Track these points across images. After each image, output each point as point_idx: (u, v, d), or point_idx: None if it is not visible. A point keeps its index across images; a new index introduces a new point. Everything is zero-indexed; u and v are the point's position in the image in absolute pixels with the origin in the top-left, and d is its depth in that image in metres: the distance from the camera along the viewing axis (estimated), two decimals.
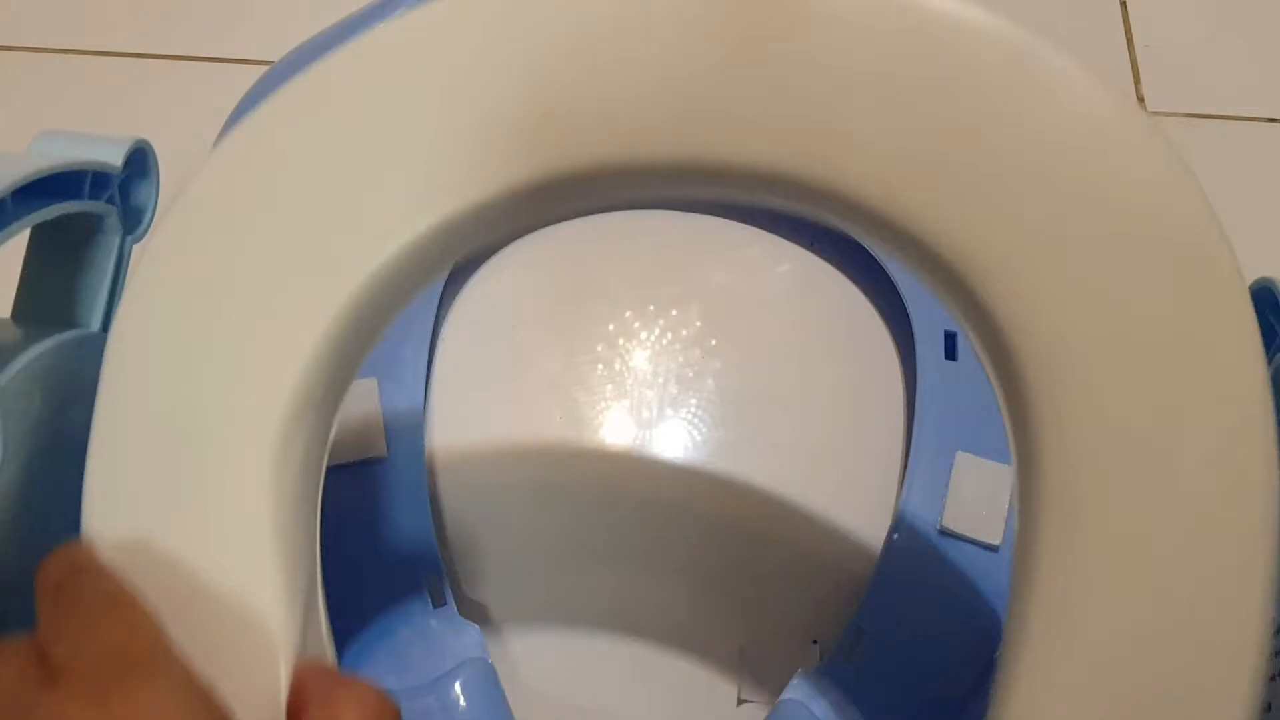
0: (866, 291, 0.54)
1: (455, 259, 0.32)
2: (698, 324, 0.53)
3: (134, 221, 0.37)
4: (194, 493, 0.27)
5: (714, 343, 0.52)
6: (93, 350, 0.36)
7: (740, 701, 0.45)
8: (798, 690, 0.42)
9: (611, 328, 0.53)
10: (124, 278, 0.37)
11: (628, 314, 0.53)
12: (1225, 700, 0.25)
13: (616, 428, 0.50)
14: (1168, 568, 0.26)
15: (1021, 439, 0.28)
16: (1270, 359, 0.37)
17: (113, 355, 0.29)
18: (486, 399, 0.51)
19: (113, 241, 0.37)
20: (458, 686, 0.40)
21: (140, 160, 0.38)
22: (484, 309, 0.54)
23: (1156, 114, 0.61)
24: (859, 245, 0.53)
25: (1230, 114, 0.61)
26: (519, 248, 0.55)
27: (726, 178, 0.29)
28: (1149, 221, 0.28)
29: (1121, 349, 0.27)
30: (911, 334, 0.50)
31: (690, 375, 0.52)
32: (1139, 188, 0.28)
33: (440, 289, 0.52)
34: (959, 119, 0.28)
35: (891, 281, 0.52)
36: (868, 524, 0.49)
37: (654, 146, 0.29)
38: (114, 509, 0.27)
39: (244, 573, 0.26)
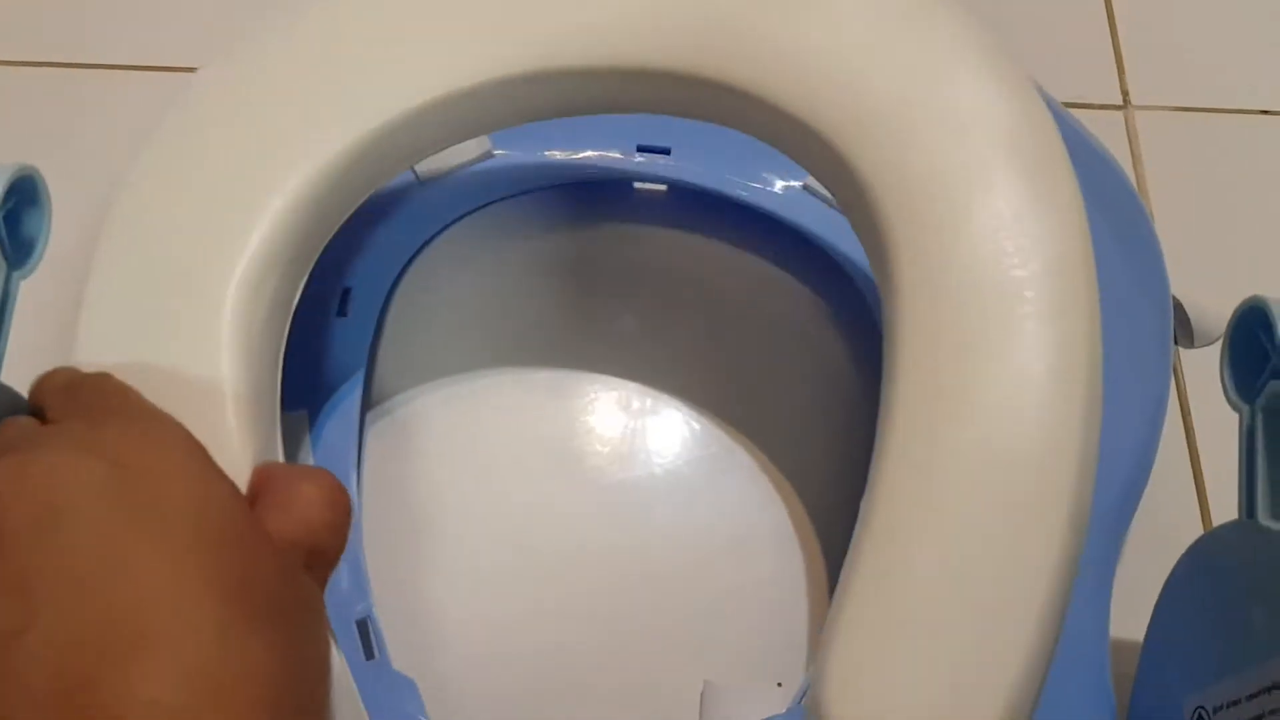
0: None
1: (420, 151, 0.40)
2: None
3: (21, 255, 0.34)
4: (173, 331, 0.33)
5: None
6: None
7: None
8: None
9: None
10: (10, 314, 0.34)
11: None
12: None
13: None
14: (1001, 363, 0.33)
15: (882, 274, 0.36)
16: (1263, 382, 0.34)
17: (113, 212, 0.35)
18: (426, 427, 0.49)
19: None
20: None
21: (28, 188, 0.35)
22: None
23: (1143, 108, 0.58)
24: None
25: (1220, 107, 0.58)
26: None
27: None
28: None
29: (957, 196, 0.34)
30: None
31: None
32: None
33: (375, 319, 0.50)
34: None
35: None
36: (833, 563, 0.46)
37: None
38: (101, 344, 0.33)
39: (211, 398, 0.31)
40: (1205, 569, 0.37)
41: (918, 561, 0.32)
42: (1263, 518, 0.33)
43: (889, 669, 0.32)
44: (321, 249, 0.39)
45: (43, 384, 0.30)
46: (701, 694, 0.43)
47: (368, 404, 0.49)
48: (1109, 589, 0.42)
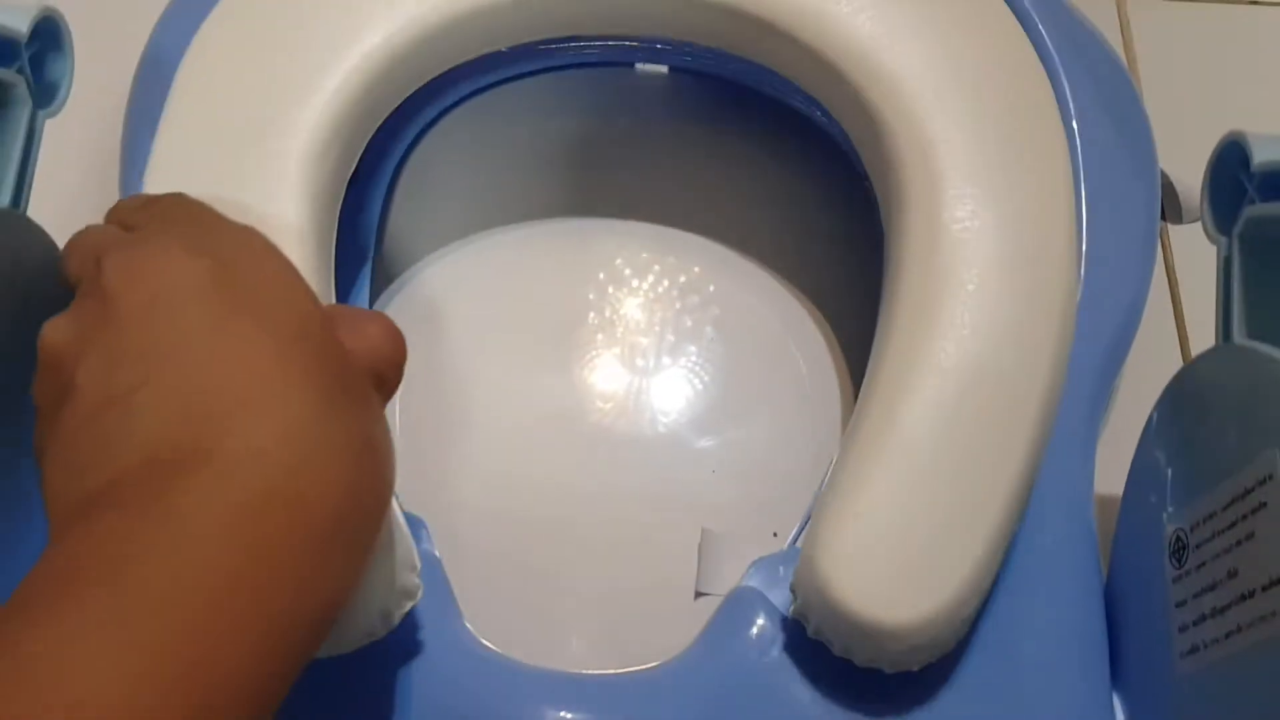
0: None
1: (480, 47, 0.45)
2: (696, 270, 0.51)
3: (46, 96, 0.36)
4: (241, 185, 0.36)
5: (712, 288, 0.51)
6: (6, 223, 0.34)
7: (698, 595, 0.44)
8: (754, 578, 0.40)
9: (602, 275, 0.51)
10: (35, 152, 0.36)
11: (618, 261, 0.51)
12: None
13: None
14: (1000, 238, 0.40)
15: (890, 209, 0.42)
16: (1240, 212, 0.35)
17: (189, 61, 0.40)
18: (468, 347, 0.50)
19: (22, 114, 0.35)
20: None
21: (51, 32, 0.36)
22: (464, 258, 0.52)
23: None
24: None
25: None
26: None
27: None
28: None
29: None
30: None
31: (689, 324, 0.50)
32: None
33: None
34: None
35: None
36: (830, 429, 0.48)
37: None
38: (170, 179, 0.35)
39: (282, 240, 0.29)
40: (1184, 399, 0.38)
41: (912, 432, 0.36)
42: (1237, 338, 0.35)
43: (882, 510, 0.36)
44: (377, 125, 0.43)
45: (122, 204, 0.32)
46: (699, 541, 0.45)
47: (377, 283, 0.51)
48: (1095, 438, 0.43)
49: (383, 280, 0.51)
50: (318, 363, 0.26)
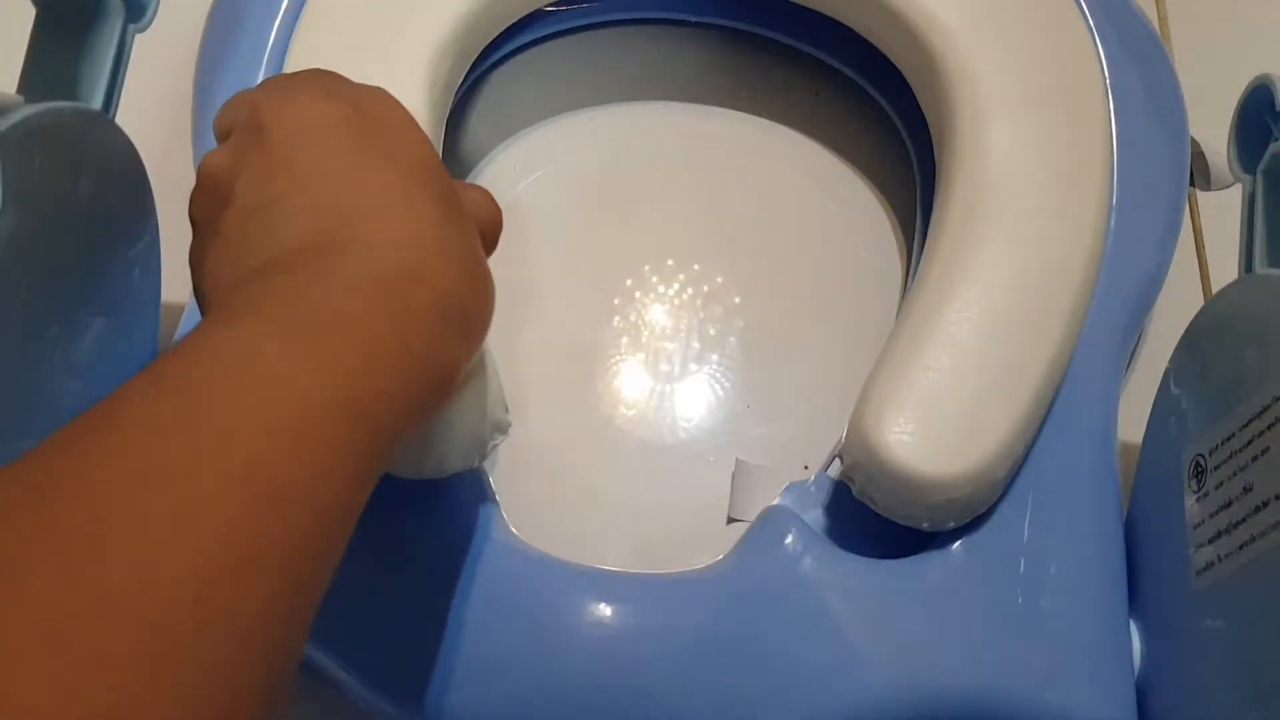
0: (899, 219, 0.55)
1: None
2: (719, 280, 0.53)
3: (137, 11, 0.38)
4: (376, 64, 0.40)
5: (737, 300, 0.52)
6: (96, 126, 0.37)
7: (730, 521, 0.46)
8: (789, 497, 0.42)
9: (629, 282, 0.52)
10: (125, 64, 0.38)
11: (645, 267, 0.53)
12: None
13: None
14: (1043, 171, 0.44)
15: (944, 145, 0.46)
16: (1263, 153, 0.37)
17: None
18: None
19: (115, 26, 0.37)
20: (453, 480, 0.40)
21: None
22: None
23: None
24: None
25: None
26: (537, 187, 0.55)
27: None
28: None
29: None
30: None
31: (712, 333, 0.51)
32: None
33: None
34: None
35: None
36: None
37: None
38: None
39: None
40: (1205, 330, 0.40)
41: (956, 317, 0.41)
42: (1259, 267, 0.37)
43: (927, 378, 0.40)
44: (483, 47, 0.49)
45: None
46: (733, 470, 0.47)
47: None
48: (1118, 382, 0.45)
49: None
50: (437, 190, 0.30)
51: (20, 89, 0.36)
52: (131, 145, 0.38)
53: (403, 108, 0.32)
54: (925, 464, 0.38)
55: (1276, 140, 0.36)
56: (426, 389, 0.27)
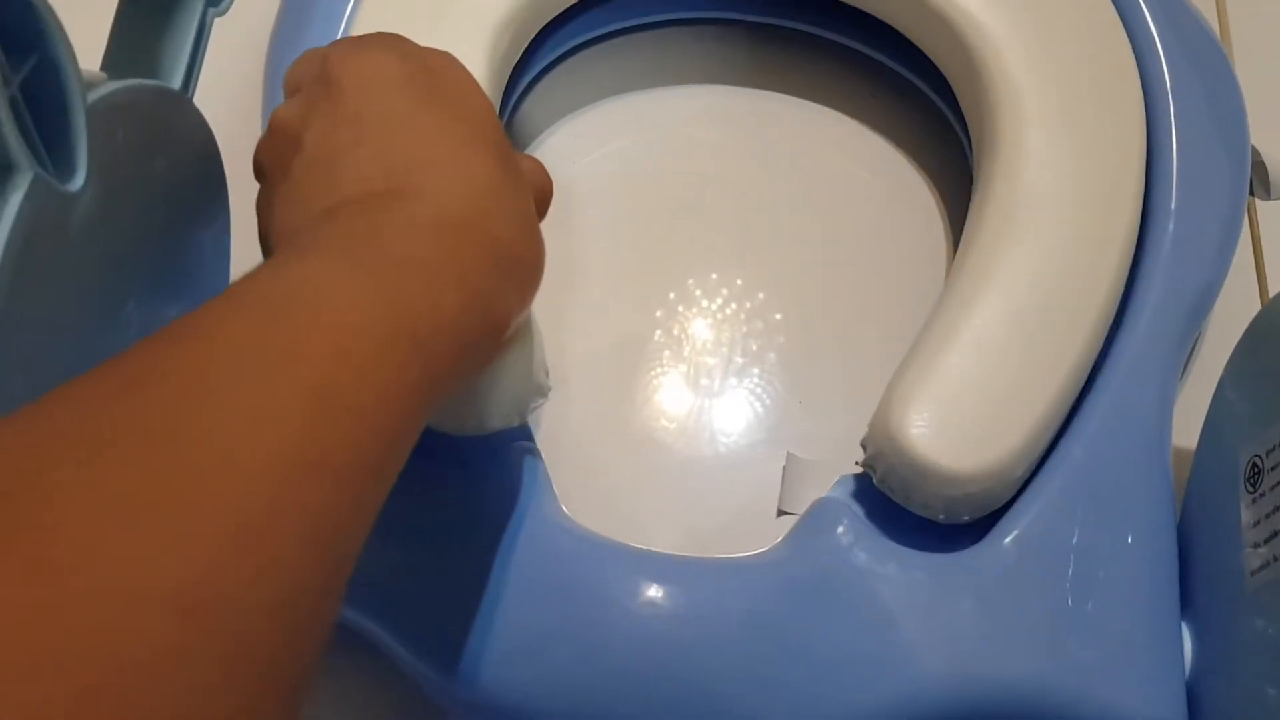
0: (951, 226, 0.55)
1: None
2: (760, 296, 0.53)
3: None
4: (438, 36, 0.38)
5: (779, 317, 0.52)
6: (175, 105, 0.38)
7: (780, 513, 0.46)
8: (840, 490, 0.42)
9: (672, 295, 0.53)
10: (204, 47, 0.39)
11: (689, 281, 0.53)
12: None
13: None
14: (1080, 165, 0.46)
15: (985, 148, 0.47)
16: None
17: None
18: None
19: (195, 9, 0.39)
20: (505, 462, 0.41)
21: None
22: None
23: None
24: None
25: None
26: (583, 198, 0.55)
27: None
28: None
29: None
30: None
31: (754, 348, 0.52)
32: None
33: None
34: None
35: None
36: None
37: None
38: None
39: None
40: (1261, 335, 0.40)
41: (984, 317, 0.42)
42: None
43: (949, 374, 0.41)
44: (542, 25, 0.51)
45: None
46: (784, 464, 0.47)
47: None
48: (1173, 388, 0.45)
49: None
50: (496, 149, 0.31)
51: (104, 66, 0.37)
52: (208, 126, 0.40)
53: (467, 71, 0.34)
54: (944, 457, 0.39)
55: None
56: (481, 332, 0.29)
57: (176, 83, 0.38)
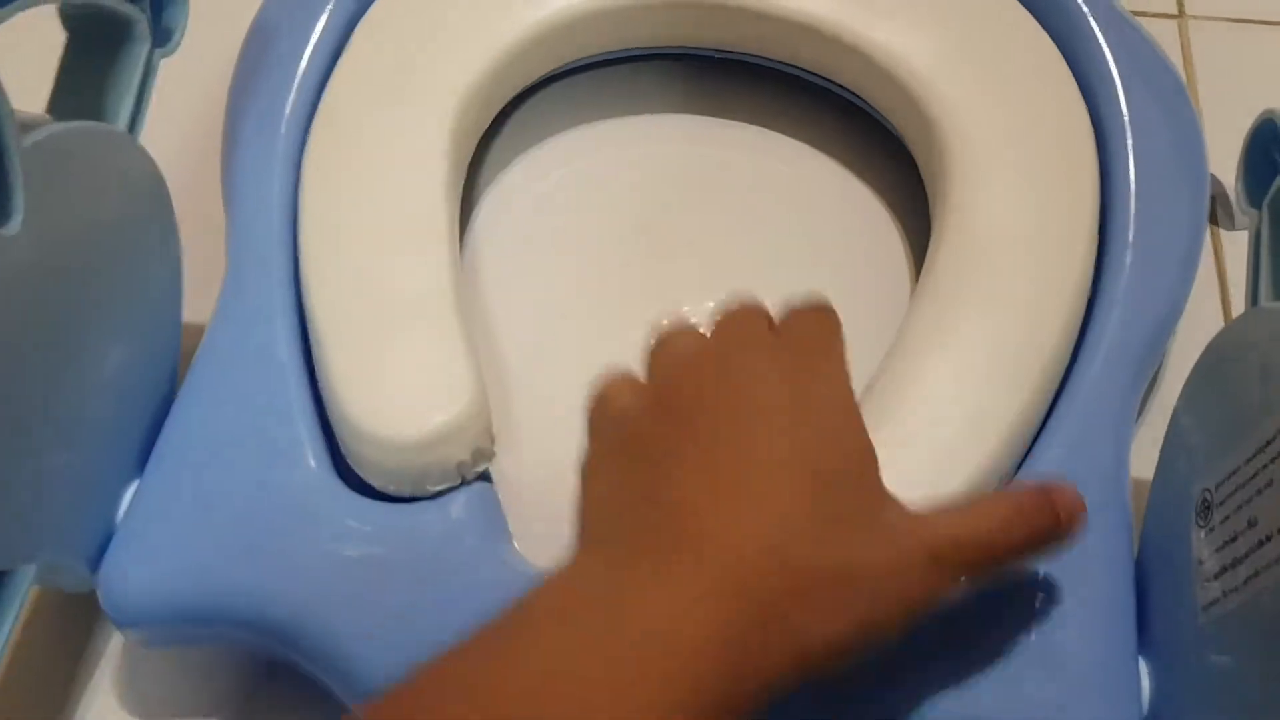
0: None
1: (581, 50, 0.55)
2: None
3: (163, 37, 0.39)
4: (405, 109, 0.46)
5: None
6: (120, 146, 0.38)
7: None
8: None
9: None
10: (150, 88, 0.39)
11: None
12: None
13: None
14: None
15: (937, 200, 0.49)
16: (1270, 183, 0.37)
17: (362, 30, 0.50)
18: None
19: (141, 51, 0.39)
20: (459, 500, 0.41)
21: None
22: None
23: (1197, 18, 0.61)
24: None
25: (1273, 19, 0.61)
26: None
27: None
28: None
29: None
30: None
31: None
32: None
33: None
34: None
35: None
36: None
37: None
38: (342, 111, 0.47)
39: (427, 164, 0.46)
40: (1212, 366, 0.39)
41: (933, 375, 0.43)
42: (1264, 301, 0.36)
43: (890, 442, 0.39)
44: (505, 101, 0.53)
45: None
46: None
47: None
48: (1131, 422, 0.45)
49: None
50: (830, 499, 0.30)
51: (49, 109, 0.37)
52: (155, 167, 0.40)
53: (846, 402, 0.33)
54: None
55: None
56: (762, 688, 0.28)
57: (122, 123, 0.39)
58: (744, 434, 0.30)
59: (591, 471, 0.33)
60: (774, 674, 0.28)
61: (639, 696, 0.26)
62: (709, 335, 0.34)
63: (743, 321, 0.34)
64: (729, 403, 0.31)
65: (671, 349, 0.34)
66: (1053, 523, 0.33)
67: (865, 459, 0.32)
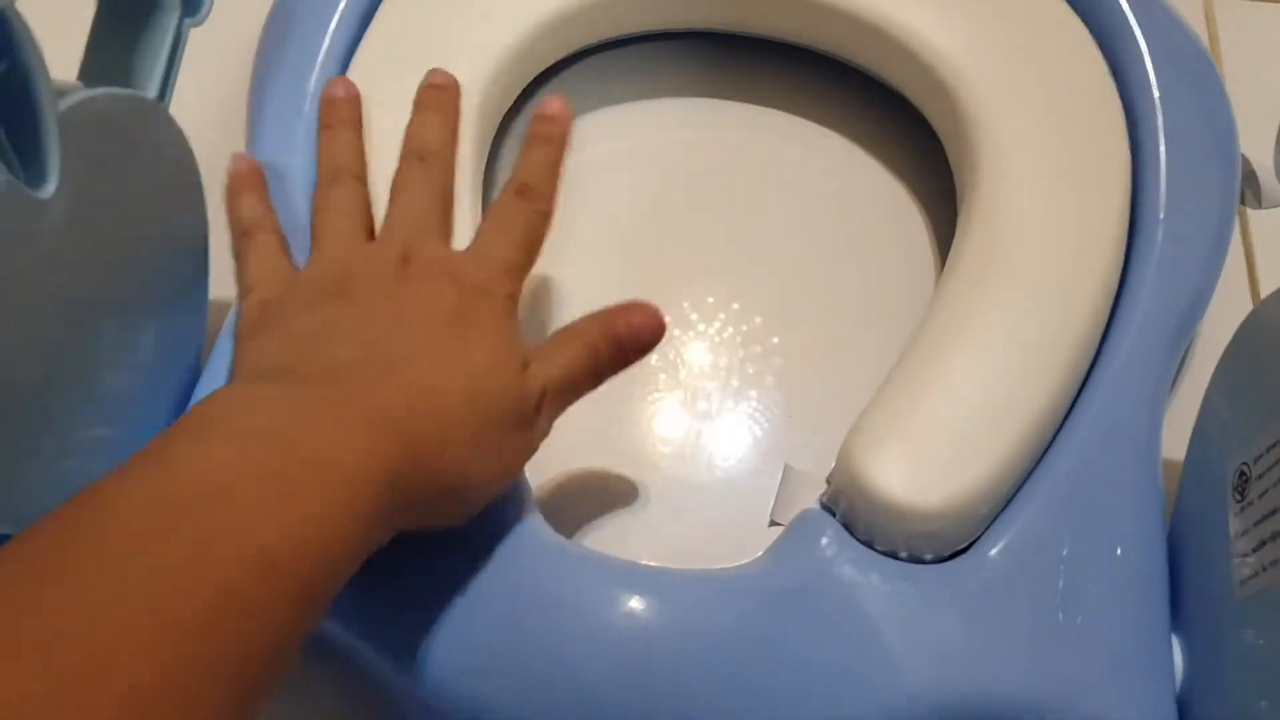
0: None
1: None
2: (758, 320, 0.52)
3: (193, 7, 0.39)
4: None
5: (776, 340, 0.51)
6: (150, 114, 0.38)
7: (771, 524, 0.45)
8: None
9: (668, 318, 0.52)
10: (179, 57, 0.39)
11: (684, 304, 0.52)
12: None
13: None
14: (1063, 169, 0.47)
15: (967, 183, 0.48)
16: None
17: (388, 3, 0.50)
18: None
19: (170, 20, 0.38)
20: None
21: None
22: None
23: None
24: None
25: None
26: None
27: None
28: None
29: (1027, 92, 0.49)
30: None
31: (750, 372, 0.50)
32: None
33: None
34: None
35: None
36: None
37: None
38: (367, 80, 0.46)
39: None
40: (1248, 341, 0.39)
41: (955, 359, 0.42)
42: None
43: (914, 413, 0.41)
44: (528, 82, 0.53)
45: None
46: (781, 476, 0.46)
47: None
48: (1163, 400, 0.44)
49: None
50: (477, 385, 0.36)
51: (80, 76, 0.37)
52: (184, 136, 0.39)
53: (506, 315, 0.38)
54: (904, 494, 0.39)
55: None
56: (362, 545, 0.30)
57: (152, 92, 0.38)
58: (414, 319, 0.36)
59: (291, 300, 0.37)
60: (421, 499, 0.33)
61: (301, 509, 0.28)
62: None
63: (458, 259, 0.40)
64: (413, 293, 0.37)
65: (400, 232, 0.40)
66: (621, 348, 0.39)
67: (515, 376, 0.36)
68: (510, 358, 0.37)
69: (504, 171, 0.54)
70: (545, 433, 0.38)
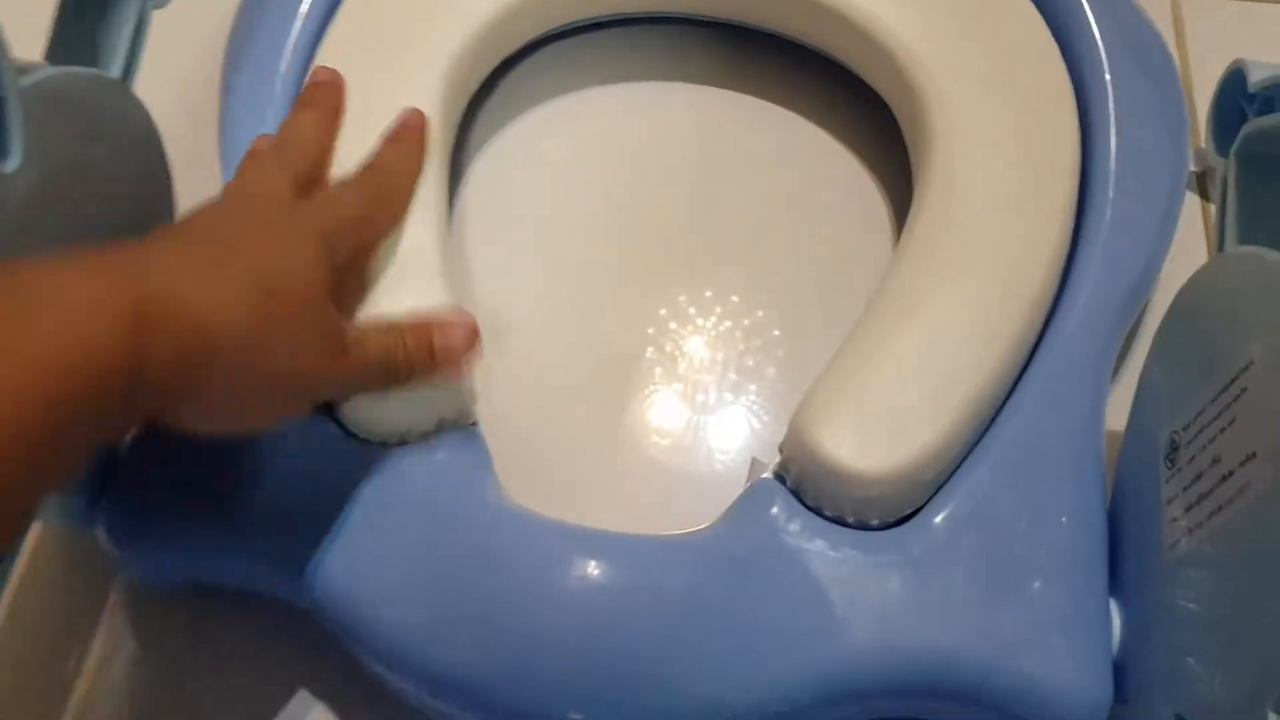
0: None
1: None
2: (760, 313, 0.52)
3: None
4: (395, 71, 0.47)
5: (776, 333, 0.52)
6: (113, 93, 0.39)
7: None
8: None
9: (664, 311, 0.52)
10: (143, 37, 0.40)
11: (681, 298, 0.53)
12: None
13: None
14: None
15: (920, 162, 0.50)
16: (1238, 132, 0.38)
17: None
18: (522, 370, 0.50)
19: (135, 2, 0.39)
20: (443, 445, 0.42)
21: None
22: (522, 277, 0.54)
23: None
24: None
25: None
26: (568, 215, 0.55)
27: None
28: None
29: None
30: None
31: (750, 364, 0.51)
32: None
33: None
34: None
35: None
36: None
37: None
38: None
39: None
40: (1180, 313, 0.40)
41: (904, 337, 0.43)
42: (1228, 247, 0.37)
43: (863, 385, 0.42)
44: (496, 64, 0.54)
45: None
46: (749, 468, 0.47)
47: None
48: (1108, 371, 0.46)
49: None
50: (254, 270, 0.34)
51: (45, 56, 0.38)
52: (148, 115, 0.40)
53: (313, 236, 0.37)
54: (851, 460, 0.40)
55: (1249, 122, 0.37)
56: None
57: (116, 72, 0.39)
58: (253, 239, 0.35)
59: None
60: (174, 352, 0.31)
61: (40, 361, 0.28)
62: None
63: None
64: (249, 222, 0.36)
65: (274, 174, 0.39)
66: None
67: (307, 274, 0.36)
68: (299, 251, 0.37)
69: (473, 155, 0.56)
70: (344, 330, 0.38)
